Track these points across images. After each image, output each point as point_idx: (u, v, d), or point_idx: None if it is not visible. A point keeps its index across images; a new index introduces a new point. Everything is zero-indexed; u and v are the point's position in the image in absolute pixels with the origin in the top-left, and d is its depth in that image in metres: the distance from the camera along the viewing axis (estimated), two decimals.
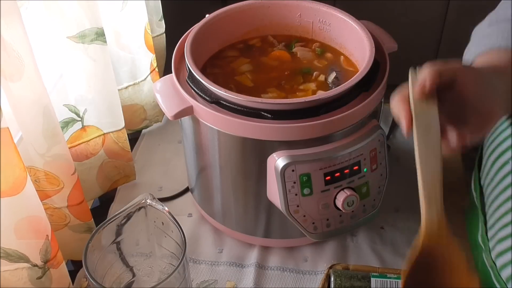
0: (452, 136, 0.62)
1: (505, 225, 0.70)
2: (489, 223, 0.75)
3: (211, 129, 0.74)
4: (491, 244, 0.73)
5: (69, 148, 0.82)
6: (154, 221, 0.74)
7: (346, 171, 0.75)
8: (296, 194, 0.74)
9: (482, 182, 0.79)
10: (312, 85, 0.79)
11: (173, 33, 1.03)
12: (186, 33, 0.83)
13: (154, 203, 0.72)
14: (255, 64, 0.84)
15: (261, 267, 0.85)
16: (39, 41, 0.78)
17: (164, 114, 0.88)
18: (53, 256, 0.73)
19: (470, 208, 0.84)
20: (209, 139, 0.76)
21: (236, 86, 0.80)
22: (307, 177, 0.73)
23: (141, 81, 1.00)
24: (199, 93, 0.74)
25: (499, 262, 0.71)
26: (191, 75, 0.76)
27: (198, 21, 0.83)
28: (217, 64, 0.85)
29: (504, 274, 0.70)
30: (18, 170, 0.64)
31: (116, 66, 0.95)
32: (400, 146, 1.04)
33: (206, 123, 0.74)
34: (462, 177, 0.96)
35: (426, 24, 1.53)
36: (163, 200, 0.94)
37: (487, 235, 0.75)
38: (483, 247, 0.76)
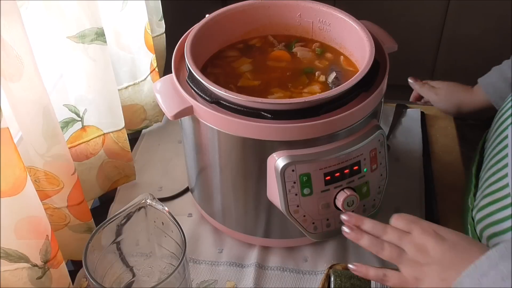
0: None
1: (490, 184, 0.77)
2: (479, 184, 0.82)
3: (211, 129, 0.74)
4: (475, 202, 0.79)
5: (69, 148, 0.82)
6: (154, 221, 0.74)
7: (346, 171, 0.75)
8: (296, 194, 0.74)
9: (484, 153, 0.86)
10: (316, 88, 0.79)
11: (173, 33, 1.03)
12: (186, 33, 0.83)
13: (154, 203, 0.72)
14: (256, 64, 0.84)
15: (261, 267, 0.85)
16: (39, 41, 0.78)
17: (164, 114, 0.88)
18: (53, 256, 0.73)
19: (468, 177, 0.91)
20: (209, 139, 0.76)
21: (240, 87, 0.80)
22: (307, 177, 0.73)
23: (141, 81, 1.00)
24: (199, 93, 0.74)
25: (477, 217, 0.78)
26: (191, 75, 0.76)
27: (198, 21, 0.83)
28: (217, 64, 0.85)
29: (478, 227, 0.77)
30: (18, 170, 0.64)
31: (116, 66, 0.95)
32: (400, 146, 1.04)
33: (206, 123, 0.74)
34: (462, 178, 0.96)
35: (426, 24, 1.53)
36: (163, 200, 0.94)
37: (475, 196, 0.81)
38: (470, 206, 0.81)
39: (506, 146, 0.79)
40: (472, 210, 0.82)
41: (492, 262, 0.59)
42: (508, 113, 0.82)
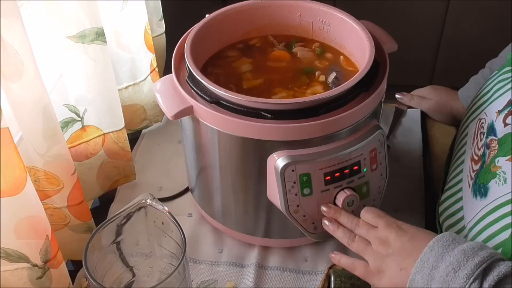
0: None
1: (451, 179, 0.84)
2: (446, 180, 0.88)
3: (211, 129, 0.74)
4: (441, 196, 0.86)
5: (69, 148, 0.82)
6: (154, 221, 0.74)
7: (346, 171, 0.75)
8: (296, 194, 0.74)
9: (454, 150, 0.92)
10: (319, 88, 0.79)
11: (173, 33, 1.03)
12: (186, 33, 0.83)
13: (154, 203, 0.72)
14: (256, 64, 0.84)
15: (261, 267, 0.85)
16: (39, 41, 0.78)
17: (164, 114, 0.88)
18: (53, 256, 0.73)
19: None
20: (209, 139, 0.76)
21: (246, 89, 0.80)
22: (307, 177, 0.73)
23: (141, 81, 1.00)
24: (199, 93, 0.74)
25: (440, 210, 0.84)
26: (191, 75, 0.76)
27: (198, 21, 0.83)
28: (218, 64, 0.85)
29: (441, 219, 0.82)
30: (18, 170, 0.64)
31: (116, 66, 0.95)
32: (400, 146, 1.04)
33: (206, 123, 0.74)
34: None
35: (426, 24, 1.53)
36: (163, 200, 0.94)
37: (442, 191, 0.87)
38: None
39: (466, 143, 0.84)
40: (438, 204, 0.86)
41: (437, 253, 0.62)
42: (472, 110, 0.87)
